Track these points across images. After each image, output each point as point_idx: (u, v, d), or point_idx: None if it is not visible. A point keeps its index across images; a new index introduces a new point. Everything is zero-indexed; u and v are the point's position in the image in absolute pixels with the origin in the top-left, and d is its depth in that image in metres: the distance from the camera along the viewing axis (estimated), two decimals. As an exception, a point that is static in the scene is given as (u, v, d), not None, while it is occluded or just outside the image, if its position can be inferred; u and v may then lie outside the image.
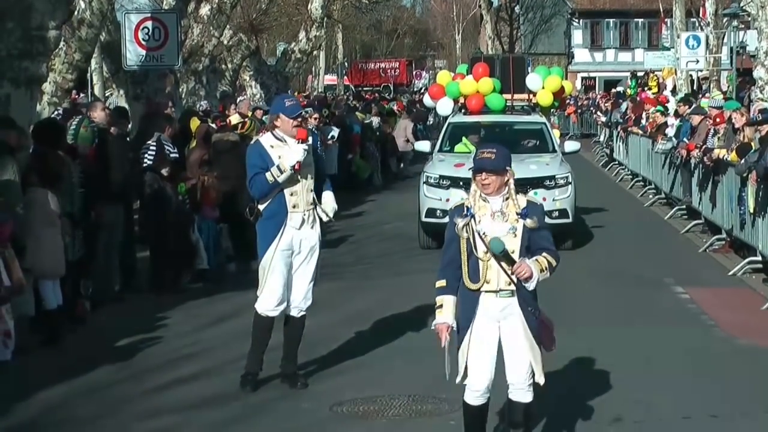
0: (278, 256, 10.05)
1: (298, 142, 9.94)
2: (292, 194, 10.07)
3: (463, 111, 21.14)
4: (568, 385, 9.96)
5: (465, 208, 7.50)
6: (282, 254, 10.05)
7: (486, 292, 7.46)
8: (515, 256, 7.35)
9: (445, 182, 18.55)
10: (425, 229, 18.63)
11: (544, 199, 16.79)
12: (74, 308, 12.83)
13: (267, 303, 10.15)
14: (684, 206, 22.25)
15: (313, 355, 11.27)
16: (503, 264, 7.33)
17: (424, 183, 18.91)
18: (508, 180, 7.53)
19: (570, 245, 17.99)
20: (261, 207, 10.12)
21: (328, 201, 10.42)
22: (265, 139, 10.06)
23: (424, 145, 21.22)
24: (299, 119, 10.19)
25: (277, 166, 9.90)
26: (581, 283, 15.34)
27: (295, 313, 10.29)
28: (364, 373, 10.65)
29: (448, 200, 17.54)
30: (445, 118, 21.58)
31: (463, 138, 20.03)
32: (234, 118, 19.07)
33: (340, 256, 18.32)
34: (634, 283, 15.43)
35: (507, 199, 7.46)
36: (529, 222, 7.38)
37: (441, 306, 7.57)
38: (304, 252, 10.17)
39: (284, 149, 9.95)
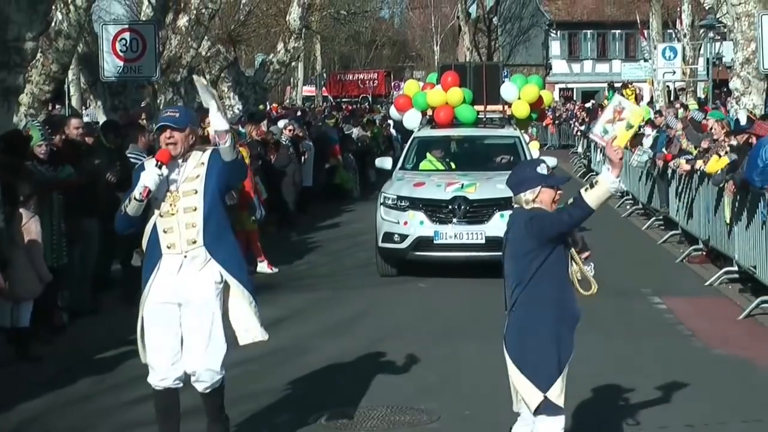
0: (152, 310, 7.95)
1: (156, 164, 7.77)
2: (165, 231, 7.90)
3: (431, 124, 19.74)
4: (545, 396, 9.98)
5: None
6: (159, 307, 7.92)
7: None
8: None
9: (403, 203, 16.91)
10: (383, 255, 17.15)
11: None
12: (51, 319, 12.82)
13: (151, 372, 8.08)
14: (661, 217, 22.35)
15: (291, 367, 11.28)
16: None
17: (381, 204, 17.27)
18: None
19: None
20: (144, 245, 8.10)
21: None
22: (151, 162, 7.89)
23: (385, 162, 19.36)
24: (166, 134, 7.90)
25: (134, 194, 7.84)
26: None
27: (199, 387, 8.09)
28: (342, 384, 10.65)
29: (406, 223, 16.68)
30: (411, 131, 20.14)
31: (428, 154, 18.64)
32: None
33: (317, 267, 18.37)
34: (611, 293, 15.39)
35: None
36: None
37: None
38: (195, 305, 7.90)
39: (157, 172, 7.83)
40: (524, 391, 7.06)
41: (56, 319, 13.00)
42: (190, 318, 7.91)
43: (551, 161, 18.74)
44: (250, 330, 8.11)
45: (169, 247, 7.90)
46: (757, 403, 9.97)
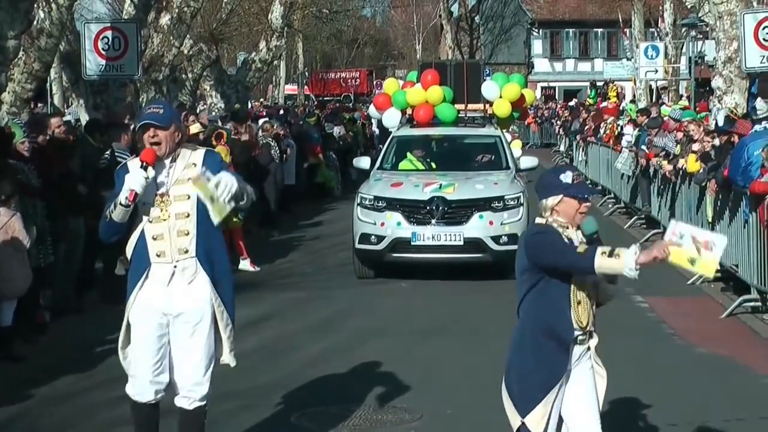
0: (140, 320, 7.44)
1: (141, 165, 7.22)
2: (155, 238, 7.34)
3: (411, 123, 19.34)
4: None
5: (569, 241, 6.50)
6: (147, 318, 7.42)
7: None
8: None
9: (380, 204, 16.56)
10: (360, 257, 16.86)
11: (491, 223, 15.97)
12: (34, 318, 12.78)
13: (131, 383, 7.64)
14: (643, 216, 22.39)
15: (273, 365, 11.28)
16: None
17: (358, 205, 16.91)
18: None
19: None
20: (128, 252, 7.58)
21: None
22: (135, 163, 7.33)
23: (363, 162, 18.82)
24: (149, 133, 7.33)
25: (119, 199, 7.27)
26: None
27: (184, 403, 7.64)
28: (325, 383, 10.66)
29: (383, 224, 16.39)
30: (389, 131, 19.73)
31: (408, 153, 18.23)
32: (194, 128, 19.02)
33: (300, 266, 18.38)
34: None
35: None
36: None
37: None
38: (187, 317, 7.42)
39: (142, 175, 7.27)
40: (507, 410, 6.59)
41: (39, 318, 12.97)
42: (181, 331, 7.43)
43: (533, 161, 18.40)
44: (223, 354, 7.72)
45: (158, 256, 7.35)
46: (740, 402, 10.01)
